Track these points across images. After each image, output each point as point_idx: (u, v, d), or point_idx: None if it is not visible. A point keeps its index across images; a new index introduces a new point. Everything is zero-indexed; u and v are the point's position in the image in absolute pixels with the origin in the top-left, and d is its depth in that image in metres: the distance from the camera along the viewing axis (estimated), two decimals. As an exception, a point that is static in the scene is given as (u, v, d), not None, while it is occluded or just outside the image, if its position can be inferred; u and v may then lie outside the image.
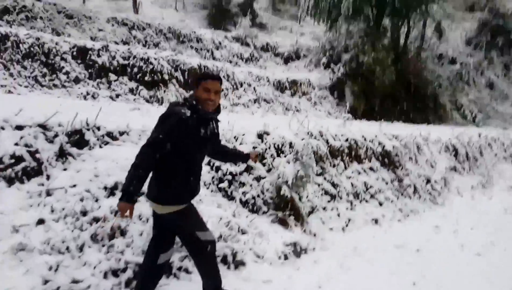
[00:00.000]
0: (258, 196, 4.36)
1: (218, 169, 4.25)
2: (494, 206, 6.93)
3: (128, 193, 2.20)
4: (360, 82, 14.36)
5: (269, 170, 4.65)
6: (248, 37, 15.21)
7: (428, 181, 6.98)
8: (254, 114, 9.71)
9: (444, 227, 5.48)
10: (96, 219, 3.05)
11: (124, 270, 2.90)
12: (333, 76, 14.67)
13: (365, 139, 6.21)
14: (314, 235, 4.51)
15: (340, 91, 14.11)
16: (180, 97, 9.80)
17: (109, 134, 3.90)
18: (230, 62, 13.93)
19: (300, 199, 4.78)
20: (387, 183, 6.11)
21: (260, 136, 4.78)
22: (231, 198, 4.20)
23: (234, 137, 4.63)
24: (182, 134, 2.29)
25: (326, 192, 5.13)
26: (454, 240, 4.94)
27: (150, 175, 2.35)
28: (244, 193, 4.27)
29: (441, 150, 8.09)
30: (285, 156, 4.88)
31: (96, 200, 3.19)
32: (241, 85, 11.37)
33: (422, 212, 6.24)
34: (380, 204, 5.72)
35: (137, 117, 5.08)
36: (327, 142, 5.37)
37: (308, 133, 5.29)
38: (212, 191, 4.12)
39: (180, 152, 2.33)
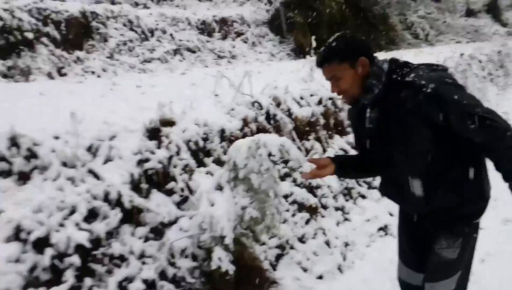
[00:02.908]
0: (163, 273, 1.93)
1: (42, 244, 1.69)
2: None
3: None
4: (305, 12, 11.79)
5: (183, 201, 2.18)
6: (156, -30, 11.66)
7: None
8: (174, 72, 6.92)
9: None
10: None
11: None
12: (271, 7, 11.96)
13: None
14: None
15: (281, 26, 11.48)
16: (60, 62, 6.72)
17: None
18: (137, 4, 10.56)
19: (256, 240, 2.44)
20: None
21: (153, 134, 2.20)
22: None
23: (88, 149, 2.02)
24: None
25: (301, 206, 2.80)
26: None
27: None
28: (125, 283, 1.80)
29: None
30: (213, 162, 2.41)
31: None
32: (152, 34, 8.32)
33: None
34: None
35: None
36: (288, 113, 2.92)
37: (254, 104, 2.79)
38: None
39: None
